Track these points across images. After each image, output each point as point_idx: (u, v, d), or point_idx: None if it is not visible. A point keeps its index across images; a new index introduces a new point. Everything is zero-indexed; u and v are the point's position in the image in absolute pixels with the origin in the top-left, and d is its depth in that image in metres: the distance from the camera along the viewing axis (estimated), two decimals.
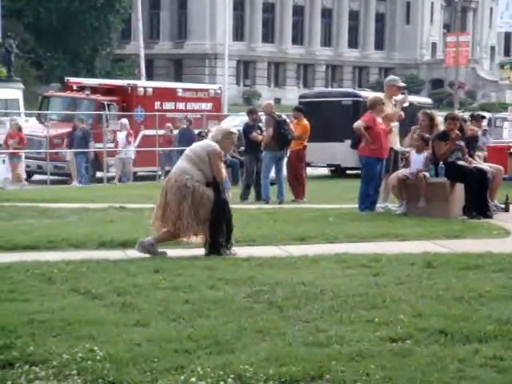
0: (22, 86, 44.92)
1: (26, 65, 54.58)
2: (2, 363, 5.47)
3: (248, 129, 18.48)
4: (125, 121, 26.70)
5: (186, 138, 24.76)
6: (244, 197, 17.94)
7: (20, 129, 24.51)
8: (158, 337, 6.05)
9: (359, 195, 14.40)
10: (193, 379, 5.17)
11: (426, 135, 13.98)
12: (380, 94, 15.75)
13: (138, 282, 7.97)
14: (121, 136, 26.42)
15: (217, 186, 9.85)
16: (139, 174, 28.67)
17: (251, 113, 19.12)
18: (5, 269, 8.66)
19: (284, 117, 17.99)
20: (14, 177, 23.82)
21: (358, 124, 14.18)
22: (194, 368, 5.36)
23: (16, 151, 23.93)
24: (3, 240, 10.71)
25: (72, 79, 31.73)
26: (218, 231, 9.72)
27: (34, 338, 5.97)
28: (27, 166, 25.80)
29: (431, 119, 14.18)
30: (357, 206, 14.43)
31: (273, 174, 17.78)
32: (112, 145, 27.30)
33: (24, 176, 24.59)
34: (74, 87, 29.87)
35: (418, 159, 13.92)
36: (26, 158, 25.53)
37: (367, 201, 14.27)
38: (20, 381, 5.19)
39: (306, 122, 18.21)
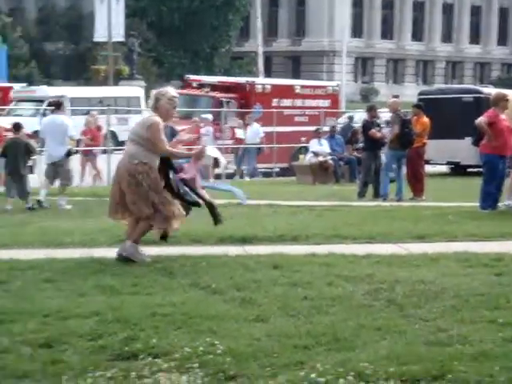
0: (143, 83, 45.91)
1: (147, 63, 55.69)
2: (127, 355, 5.61)
3: (367, 125, 18.38)
4: (210, 117, 26.74)
5: None
6: (361, 194, 17.84)
7: (98, 127, 24.34)
8: (277, 332, 6.08)
9: (480, 193, 14.11)
10: (312, 375, 5.17)
11: None
12: (504, 91, 15.39)
13: (257, 278, 8.02)
14: (206, 132, 26.18)
15: (165, 163, 9.13)
16: (258, 170, 28.85)
17: (371, 110, 19.02)
18: (127, 263, 8.85)
19: (409, 115, 17.80)
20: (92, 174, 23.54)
21: (481, 120, 13.91)
22: (313, 364, 5.36)
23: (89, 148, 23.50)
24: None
25: (192, 77, 32.19)
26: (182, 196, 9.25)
27: (157, 331, 6.09)
28: None
29: None
30: (478, 204, 14.15)
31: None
32: (230, 142, 27.57)
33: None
34: (194, 85, 30.29)
35: None
36: None
37: (489, 199, 13.97)
38: (144, 372, 5.30)
39: (425, 119, 17.98)
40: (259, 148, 27.00)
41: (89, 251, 9.56)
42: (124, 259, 8.95)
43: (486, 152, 14.01)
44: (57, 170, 15.96)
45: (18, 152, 15.48)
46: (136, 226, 9.16)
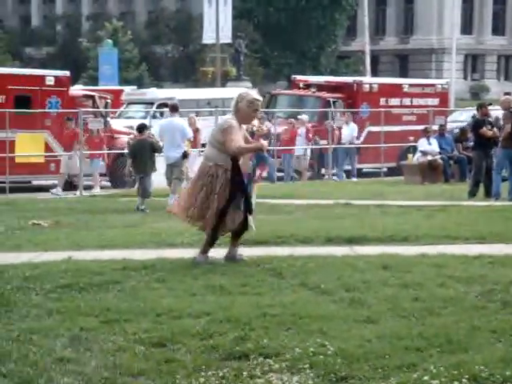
0: (250, 84, 46.24)
1: (254, 64, 56.08)
2: (238, 354, 5.65)
3: (477, 124, 18.04)
4: (305, 117, 26.59)
5: None
6: (472, 194, 17.51)
7: (197, 129, 24.52)
8: (388, 334, 6.02)
9: None
10: (426, 378, 5.10)
11: None
12: None
13: (366, 278, 7.96)
14: (300, 132, 26.02)
15: (236, 166, 8.90)
16: (364, 170, 28.67)
17: (481, 107, 18.66)
18: (236, 263, 8.91)
19: None
20: None
21: None
22: (426, 366, 5.29)
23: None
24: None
25: (299, 77, 32.18)
26: (217, 222, 8.90)
27: (267, 331, 6.11)
28: None
29: None
30: None
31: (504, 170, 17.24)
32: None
33: None
34: (301, 85, 30.28)
35: None
36: None
37: None
38: (255, 372, 5.33)
39: None
40: (358, 148, 26.83)
41: (199, 252, 9.65)
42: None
43: None
44: (172, 170, 16.33)
45: (144, 152, 15.97)
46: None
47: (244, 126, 9.25)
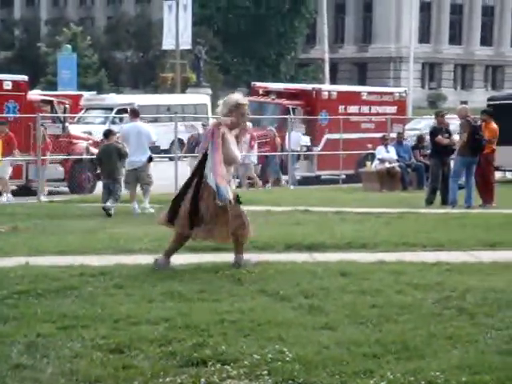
0: (210, 91, 46.21)
1: (214, 70, 56.07)
2: (196, 361, 5.63)
3: (435, 132, 18.23)
4: (249, 125, 26.57)
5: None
6: (429, 201, 17.67)
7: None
8: (346, 340, 6.05)
9: None
10: None
11: None
12: None
13: (324, 285, 7.99)
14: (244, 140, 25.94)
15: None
16: (323, 177, 28.79)
17: (438, 116, 18.86)
18: (195, 269, 8.90)
19: (479, 122, 17.58)
20: None
21: None
22: (383, 373, 5.32)
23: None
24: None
25: (258, 84, 32.26)
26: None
27: (226, 338, 6.11)
28: None
29: None
30: None
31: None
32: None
33: None
34: (260, 92, 30.35)
35: None
36: None
37: None
38: (213, 379, 5.32)
39: (494, 125, 17.76)
40: (298, 155, 26.73)
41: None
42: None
43: None
44: (138, 175, 16.28)
45: (110, 157, 15.90)
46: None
47: (233, 132, 9.15)
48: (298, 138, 26.59)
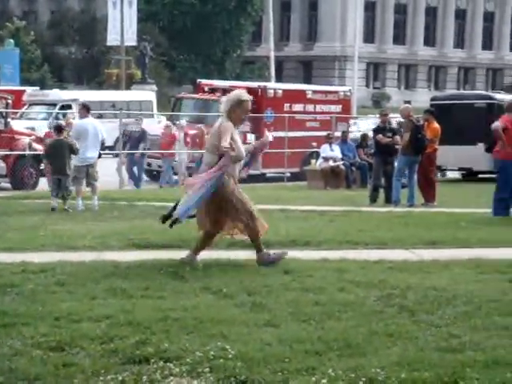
0: (155, 87, 45.99)
1: (159, 67, 55.81)
2: (138, 358, 5.61)
3: (378, 131, 18.41)
4: (183, 122, 26.59)
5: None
6: (372, 199, 17.83)
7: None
8: (288, 337, 6.07)
9: (493, 199, 14.10)
10: (324, 381, 5.16)
11: None
12: None
13: (268, 283, 8.02)
14: (179, 137, 25.90)
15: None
16: (268, 175, 28.85)
17: (382, 115, 19.05)
18: (140, 266, 8.86)
19: (421, 121, 17.79)
20: None
21: (496, 125, 13.92)
22: (324, 370, 5.35)
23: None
24: (138, 238, 10.97)
25: (204, 81, 32.20)
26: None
27: (168, 335, 6.09)
28: (148, 165, 26.12)
29: None
30: (490, 210, 14.12)
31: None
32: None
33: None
34: (206, 89, 30.31)
35: None
36: (149, 157, 26.04)
37: (501, 205, 13.96)
38: (155, 376, 5.30)
39: (436, 124, 17.98)
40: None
41: (101, 254, 9.59)
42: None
43: (501, 158, 14.02)
44: (89, 171, 16.19)
45: (61, 152, 15.75)
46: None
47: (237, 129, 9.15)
48: None
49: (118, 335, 6.09)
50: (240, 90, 9.49)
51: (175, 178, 25.41)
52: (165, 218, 9.21)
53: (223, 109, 9.11)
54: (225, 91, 29.51)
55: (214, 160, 8.98)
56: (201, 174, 9.13)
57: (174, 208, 9.14)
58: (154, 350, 5.71)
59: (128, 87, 46.68)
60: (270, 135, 9.55)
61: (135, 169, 24.54)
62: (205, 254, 9.65)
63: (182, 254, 9.58)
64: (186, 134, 25.41)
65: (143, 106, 36.55)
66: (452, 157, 24.41)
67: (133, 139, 24.34)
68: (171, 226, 9.24)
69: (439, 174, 26.87)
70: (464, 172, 27.18)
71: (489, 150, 14.72)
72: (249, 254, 9.87)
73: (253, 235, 9.19)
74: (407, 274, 8.55)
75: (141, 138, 24.38)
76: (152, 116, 34.34)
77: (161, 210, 15.19)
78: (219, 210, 9.07)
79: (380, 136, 18.07)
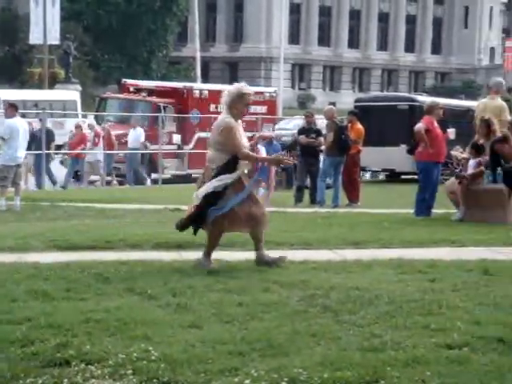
0: (79, 87, 45.51)
1: (83, 66, 55.22)
2: (59, 361, 5.53)
3: (302, 132, 18.57)
4: (91, 121, 26.54)
5: None
6: (298, 199, 17.95)
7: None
8: (212, 338, 6.06)
9: (416, 200, 14.32)
10: (247, 381, 5.16)
11: (480, 141, 13.89)
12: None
13: (192, 284, 7.99)
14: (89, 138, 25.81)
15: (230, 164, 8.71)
16: (194, 175, 28.78)
17: (307, 116, 19.21)
18: (62, 268, 8.74)
19: (345, 122, 17.99)
20: None
21: (419, 127, 14.14)
22: (247, 370, 5.35)
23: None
24: (61, 239, 10.83)
25: (129, 81, 32.02)
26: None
27: (90, 337, 6.02)
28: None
29: (489, 126, 14.04)
30: (412, 211, 14.34)
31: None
32: (168, 147, 27.49)
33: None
34: (131, 89, 30.13)
35: (472, 165, 13.89)
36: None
37: (423, 206, 14.18)
38: (76, 379, 5.24)
39: (360, 126, 18.18)
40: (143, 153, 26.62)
41: (22, 256, 9.43)
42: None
43: (423, 159, 14.25)
44: (17, 171, 15.97)
45: None
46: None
47: (240, 122, 9.00)
48: (137, 136, 26.26)
49: (39, 338, 5.99)
50: (241, 83, 9.22)
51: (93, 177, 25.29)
52: (183, 227, 9.03)
53: (224, 102, 8.95)
54: (150, 91, 29.47)
55: (220, 158, 8.79)
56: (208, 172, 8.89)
57: (191, 217, 8.94)
58: (75, 353, 5.64)
59: (51, 86, 46.06)
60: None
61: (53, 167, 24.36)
62: (130, 255, 9.59)
63: (105, 256, 9.51)
64: (96, 135, 25.24)
65: (67, 105, 36.16)
66: (375, 158, 24.73)
67: (38, 139, 23.85)
68: (195, 233, 9.14)
69: (369, 175, 27.28)
70: (387, 173, 27.55)
71: (410, 151, 14.94)
72: (174, 255, 9.85)
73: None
74: (331, 274, 8.60)
75: (49, 137, 24.03)
76: (76, 116, 33.96)
77: (83, 210, 15.13)
78: None
79: (301, 137, 18.23)
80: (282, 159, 9.42)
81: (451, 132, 14.74)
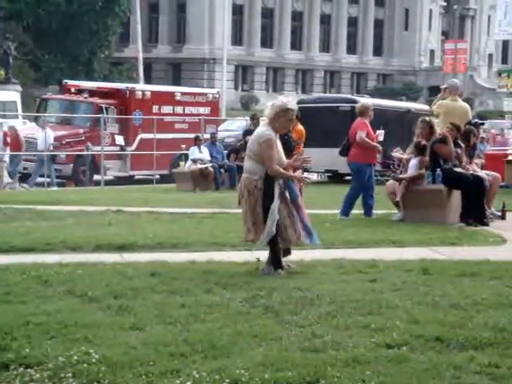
0: (19, 88, 44.92)
1: (24, 67, 54.53)
2: None
3: (248, 133, 18.62)
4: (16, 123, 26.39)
5: None
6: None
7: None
8: (153, 340, 6.05)
9: (344, 200, 14.60)
10: (188, 383, 5.17)
11: (423, 142, 14.07)
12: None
13: (134, 286, 7.96)
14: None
15: (271, 182, 8.78)
16: (136, 177, 28.68)
17: (253, 118, 19.27)
18: (1, 270, 8.65)
19: None
20: None
21: (361, 136, 14.36)
22: (189, 372, 5.35)
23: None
24: (0, 242, 10.71)
25: (70, 82, 31.73)
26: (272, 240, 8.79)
27: (30, 341, 5.96)
28: (24, 169, 25.80)
29: (431, 127, 14.24)
30: (355, 212, 14.50)
31: None
32: (110, 148, 27.33)
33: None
34: (72, 90, 29.87)
35: (413, 165, 14.07)
36: (24, 160, 25.60)
37: (351, 207, 14.48)
38: (15, 383, 5.19)
39: (300, 126, 18.25)
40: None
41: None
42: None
43: (356, 161, 14.50)
44: None
45: None
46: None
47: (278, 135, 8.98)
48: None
49: None
50: (288, 97, 9.22)
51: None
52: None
53: (267, 115, 8.97)
54: (92, 92, 29.25)
55: (256, 168, 8.82)
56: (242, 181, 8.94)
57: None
58: (14, 356, 5.58)
59: None
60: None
61: None
62: (71, 257, 9.52)
63: (45, 258, 9.42)
64: (5, 135, 25.04)
65: (7, 106, 35.63)
66: (318, 159, 24.82)
67: None
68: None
69: (316, 176, 27.41)
70: (330, 174, 27.71)
71: (343, 153, 15.17)
72: (116, 257, 9.80)
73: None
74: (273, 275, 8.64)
75: None
76: (16, 117, 33.54)
77: (23, 212, 14.92)
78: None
79: (248, 138, 18.25)
80: (301, 178, 9.62)
81: (380, 134, 14.96)
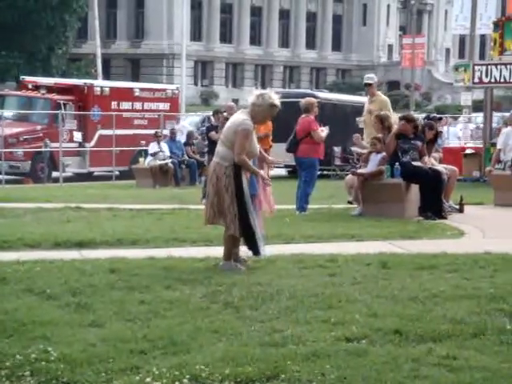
0: None
1: None
2: None
3: (211, 129, 18.63)
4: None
5: None
6: (205, 195, 17.92)
7: None
8: (113, 337, 6.02)
9: (299, 196, 14.71)
10: (148, 379, 5.15)
11: (379, 135, 14.22)
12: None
13: (93, 282, 7.92)
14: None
15: (238, 171, 8.74)
16: (96, 173, 28.51)
17: (216, 113, 19.28)
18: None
19: None
20: None
21: (320, 135, 14.58)
22: (149, 368, 5.34)
23: None
24: None
25: (27, 78, 31.41)
26: (248, 226, 8.83)
27: None
28: None
29: (382, 121, 14.37)
30: (314, 206, 14.56)
31: None
32: (69, 144, 27.14)
33: None
34: (30, 86, 29.59)
35: (374, 160, 14.15)
36: None
37: (307, 201, 14.60)
38: None
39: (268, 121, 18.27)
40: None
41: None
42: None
43: (311, 156, 14.67)
44: None
45: None
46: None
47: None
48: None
49: None
50: (274, 93, 9.02)
51: None
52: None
53: (251, 102, 8.84)
54: (49, 88, 29.00)
55: (228, 155, 8.72)
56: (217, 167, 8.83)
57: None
58: None
59: None
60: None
61: None
62: (29, 255, 9.44)
63: (3, 256, 9.33)
64: None
65: None
66: (279, 154, 24.83)
67: None
68: None
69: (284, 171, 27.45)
70: (290, 169, 27.75)
71: (290, 149, 15.29)
72: (74, 254, 9.74)
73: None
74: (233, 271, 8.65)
75: None
76: None
77: None
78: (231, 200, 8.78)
79: (212, 133, 18.25)
80: (265, 179, 9.33)
81: (324, 129, 15.11)
